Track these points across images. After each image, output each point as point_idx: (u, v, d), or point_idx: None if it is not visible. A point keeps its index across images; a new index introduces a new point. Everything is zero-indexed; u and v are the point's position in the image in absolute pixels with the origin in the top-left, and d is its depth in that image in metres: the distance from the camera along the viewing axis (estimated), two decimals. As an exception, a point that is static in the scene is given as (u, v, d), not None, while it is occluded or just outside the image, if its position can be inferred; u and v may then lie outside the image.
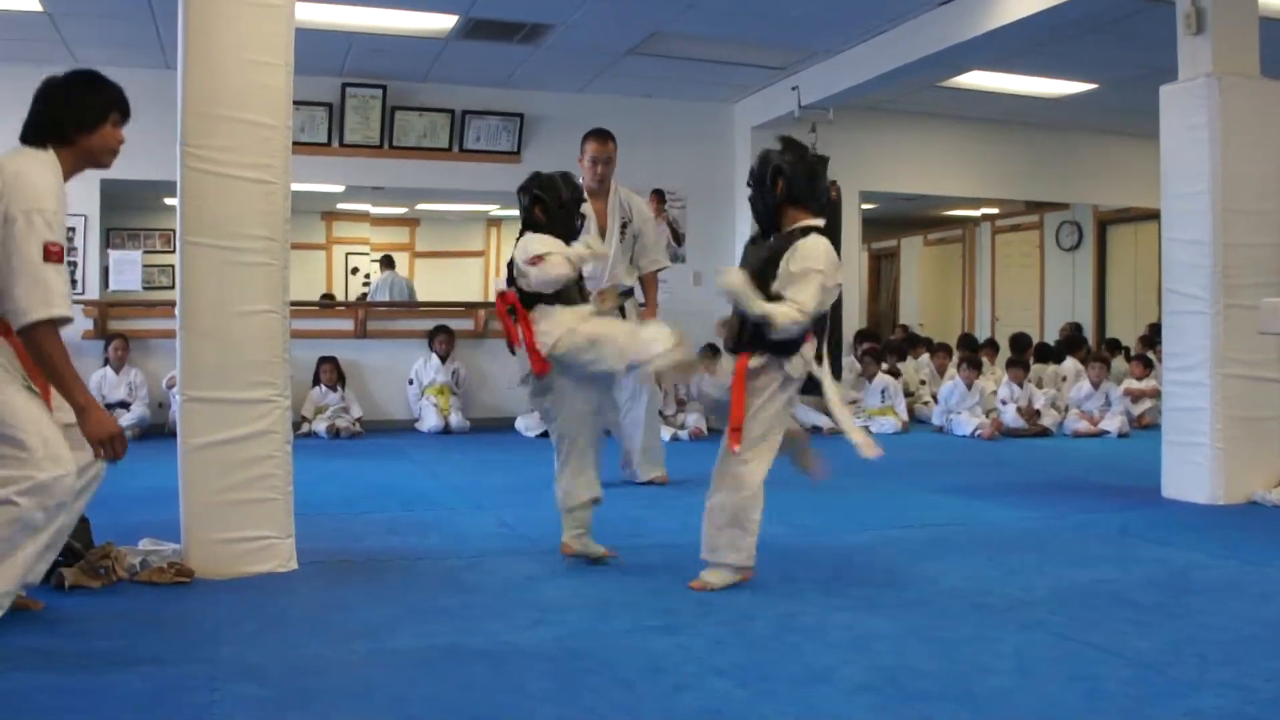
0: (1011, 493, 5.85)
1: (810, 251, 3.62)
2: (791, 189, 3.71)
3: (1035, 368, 10.17)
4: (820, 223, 3.74)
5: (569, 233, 4.18)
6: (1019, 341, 10.79)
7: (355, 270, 12.12)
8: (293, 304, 3.99)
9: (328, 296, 11.01)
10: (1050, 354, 11.08)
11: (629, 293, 5.91)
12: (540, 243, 4.03)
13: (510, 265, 4.13)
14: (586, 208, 5.74)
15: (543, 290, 3.97)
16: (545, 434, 8.50)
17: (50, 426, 3.00)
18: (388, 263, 11.77)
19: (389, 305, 10.62)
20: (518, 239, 4.18)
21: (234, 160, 3.79)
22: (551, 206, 4.13)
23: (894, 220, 16.02)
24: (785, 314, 3.53)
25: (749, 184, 3.84)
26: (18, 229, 2.92)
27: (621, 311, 5.80)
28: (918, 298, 16.84)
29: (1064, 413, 9.32)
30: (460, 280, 12.49)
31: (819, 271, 3.58)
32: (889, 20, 7.66)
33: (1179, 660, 2.89)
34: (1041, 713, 2.51)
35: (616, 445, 5.97)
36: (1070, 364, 10.13)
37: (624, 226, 5.83)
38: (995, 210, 14.75)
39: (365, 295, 11.33)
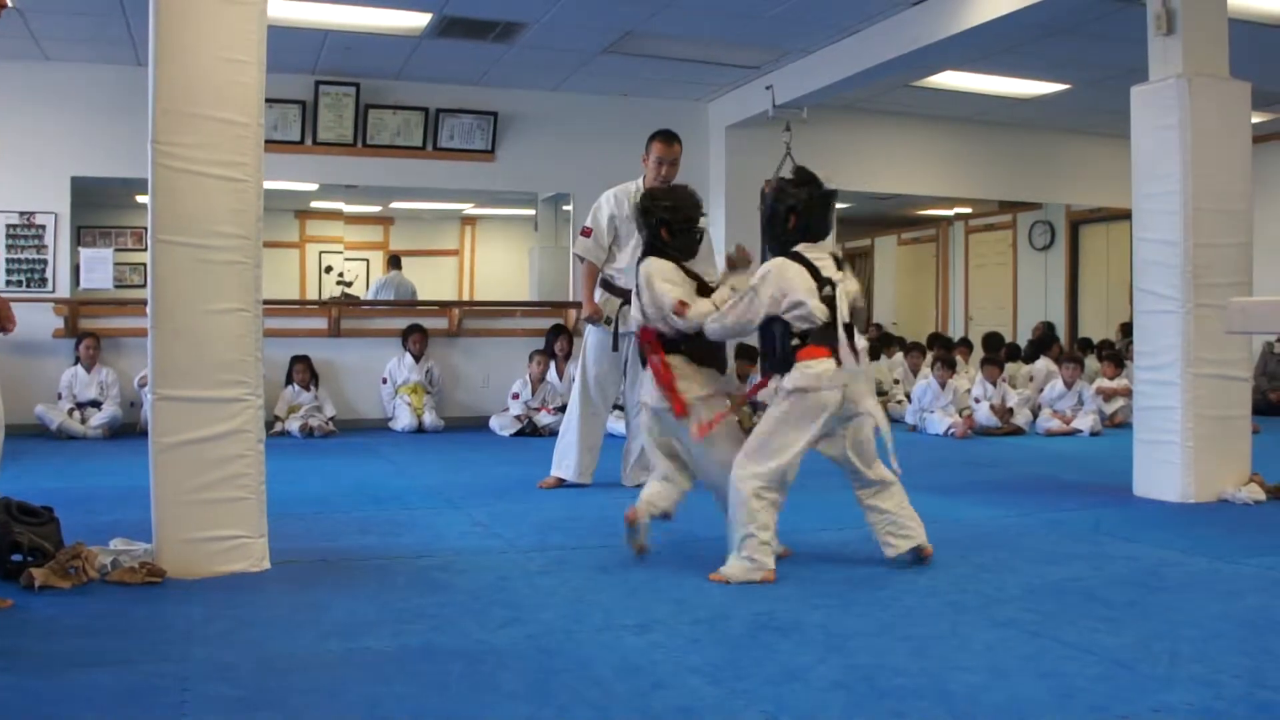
0: (984, 491, 5.88)
1: (760, 271, 3.90)
2: (802, 224, 3.90)
3: (1008, 367, 10.22)
4: (811, 250, 3.90)
5: (690, 250, 4.27)
6: (992, 340, 10.84)
7: (329, 269, 12.07)
8: (265, 302, 3.97)
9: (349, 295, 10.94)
10: (1020, 353, 11.16)
11: None
12: (669, 280, 4.09)
13: (638, 289, 4.16)
14: None
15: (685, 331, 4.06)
16: (519, 433, 8.54)
17: None
18: (395, 263, 11.73)
19: (360, 304, 10.58)
20: (639, 260, 4.25)
21: (206, 158, 3.76)
22: (679, 229, 4.18)
23: (868, 219, 16.09)
24: (695, 314, 3.99)
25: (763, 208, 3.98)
26: None
27: None
28: (892, 297, 16.92)
29: (1036, 412, 9.37)
30: (435, 279, 12.46)
31: (752, 288, 3.85)
32: (863, 20, 7.69)
33: (1149, 656, 2.91)
34: (1013, 709, 2.52)
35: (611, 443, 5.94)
36: (1042, 363, 10.19)
37: None
38: (968, 210, 14.84)
39: (344, 294, 11.30)
